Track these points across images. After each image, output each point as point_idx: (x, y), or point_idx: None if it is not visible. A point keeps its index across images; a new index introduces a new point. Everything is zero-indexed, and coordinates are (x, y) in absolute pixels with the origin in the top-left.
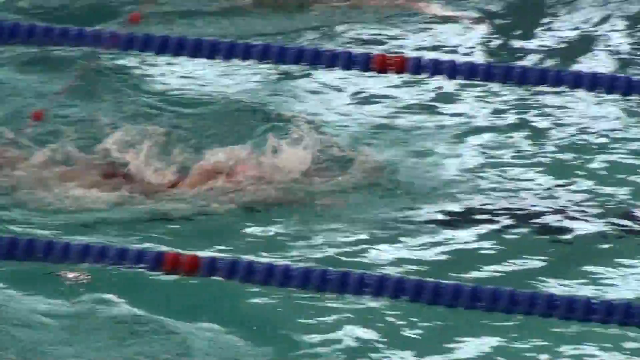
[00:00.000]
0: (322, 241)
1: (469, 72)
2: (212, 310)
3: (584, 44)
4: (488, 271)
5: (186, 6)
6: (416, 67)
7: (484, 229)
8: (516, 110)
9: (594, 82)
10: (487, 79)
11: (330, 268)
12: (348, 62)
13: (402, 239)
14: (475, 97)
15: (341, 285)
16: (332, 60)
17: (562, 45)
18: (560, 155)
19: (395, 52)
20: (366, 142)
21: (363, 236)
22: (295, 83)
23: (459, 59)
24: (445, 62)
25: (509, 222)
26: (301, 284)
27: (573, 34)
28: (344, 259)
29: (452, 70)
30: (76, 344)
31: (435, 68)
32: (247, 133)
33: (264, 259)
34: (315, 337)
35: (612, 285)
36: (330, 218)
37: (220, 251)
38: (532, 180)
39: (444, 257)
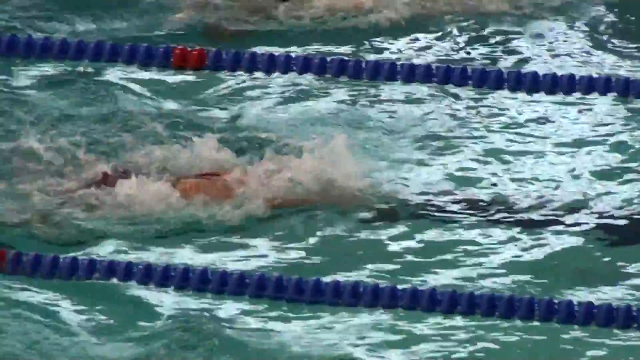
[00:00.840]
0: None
1: (268, 64)
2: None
3: None
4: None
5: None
6: (215, 62)
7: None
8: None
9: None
10: (285, 71)
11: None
12: (147, 57)
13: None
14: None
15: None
16: (130, 55)
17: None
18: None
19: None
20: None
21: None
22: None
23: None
24: (245, 54)
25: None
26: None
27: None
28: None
29: (251, 63)
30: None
31: (234, 62)
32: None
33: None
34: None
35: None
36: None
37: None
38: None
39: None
